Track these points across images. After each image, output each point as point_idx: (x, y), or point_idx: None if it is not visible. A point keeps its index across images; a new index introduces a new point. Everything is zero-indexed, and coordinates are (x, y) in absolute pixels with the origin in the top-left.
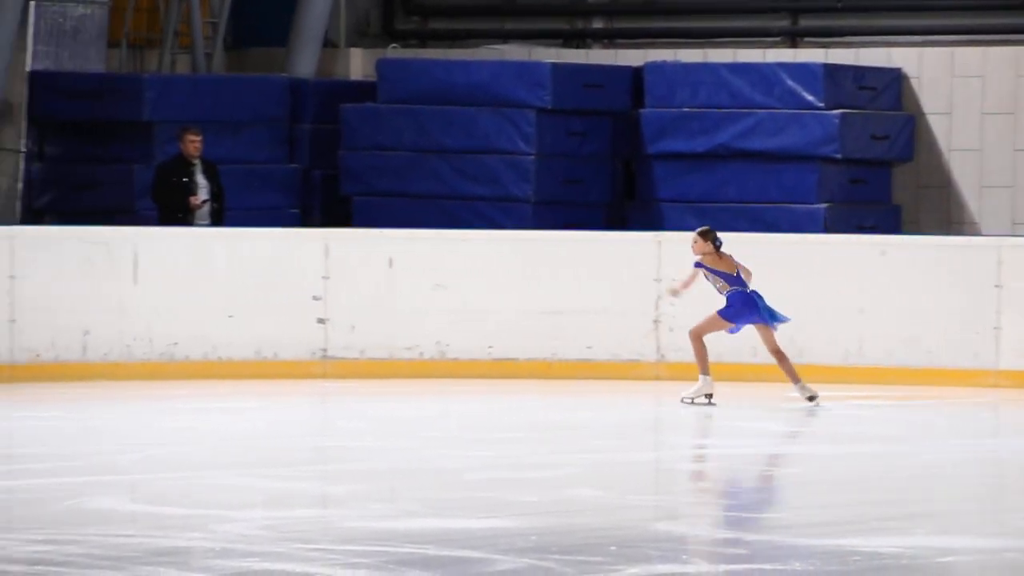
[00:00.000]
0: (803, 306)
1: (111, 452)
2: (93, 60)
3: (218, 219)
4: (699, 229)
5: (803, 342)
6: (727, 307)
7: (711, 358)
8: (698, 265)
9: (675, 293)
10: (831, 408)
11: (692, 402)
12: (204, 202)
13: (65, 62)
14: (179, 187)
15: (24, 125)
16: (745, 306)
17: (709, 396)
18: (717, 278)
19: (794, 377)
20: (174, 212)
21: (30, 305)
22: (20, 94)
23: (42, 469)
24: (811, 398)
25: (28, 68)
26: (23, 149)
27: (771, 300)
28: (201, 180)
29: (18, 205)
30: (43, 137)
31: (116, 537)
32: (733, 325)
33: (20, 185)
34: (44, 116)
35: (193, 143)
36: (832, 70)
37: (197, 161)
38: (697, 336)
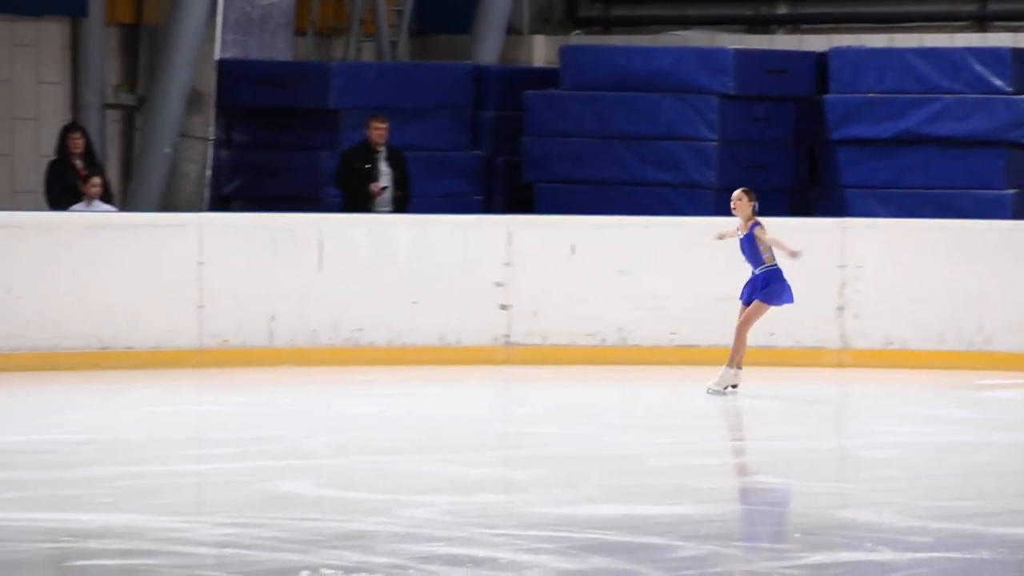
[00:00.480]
0: (990, 292)
1: (297, 437)
2: (280, 48)
3: (402, 207)
4: (745, 188)
5: (990, 329)
6: (767, 286)
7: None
8: (756, 225)
9: (722, 237)
10: (1018, 396)
11: (724, 391)
12: (383, 189)
13: (253, 51)
14: (362, 174)
15: (212, 113)
16: (782, 283)
17: (735, 386)
18: (766, 247)
19: (734, 361)
20: (356, 199)
21: (218, 291)
22: (209, 83)
23: (230, 454)
24: (732, 386)
25: (217, 57)
26: (211, 137)
27: (957, 287)
28: (384, 168)
29: (206, 192)
30: (231, 125)
31: (302, 521)
32: (772, 306)
33: (208, 172)
34: (232, 104)
35: (378, 130)
36: (1020, 54)
37: (382, 148)
38: (746, 328)
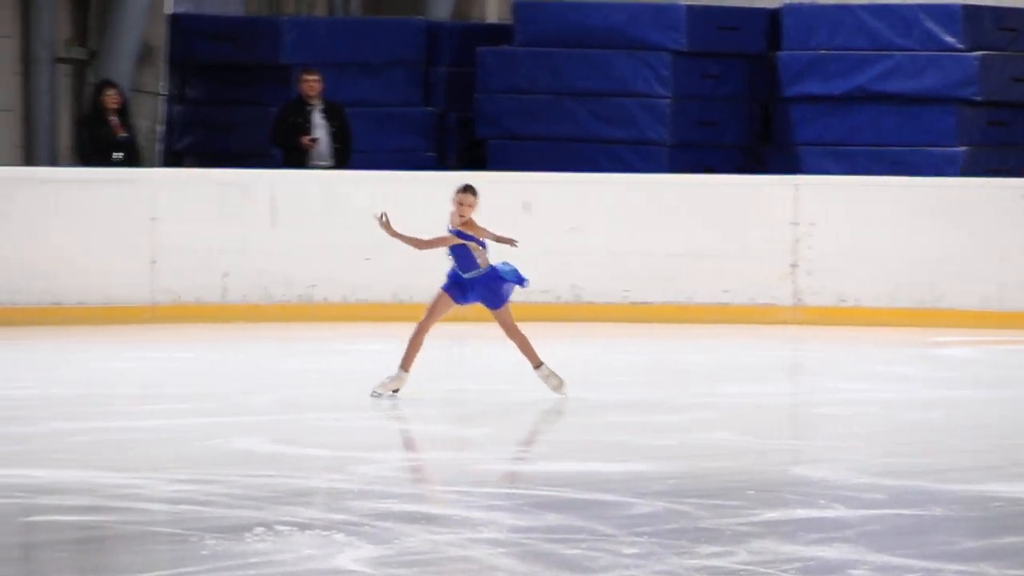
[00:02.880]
0: (942, 250)
1: (251, 393)
2: (232, 3)
3: (342, 161)
4: (466, 184)
5: (942, 287)
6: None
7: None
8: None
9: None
10: (971, 354)
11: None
12: (314, 140)
13: (205, 5)
14: (296, 128)
15: (164, 68)
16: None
17: (396, 390)
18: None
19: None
20: (292, 153)
21: (170, 247)
22: (160, 37)
23: (183, 409)
24: (394, 391)
25: (168, 11)
26: (163, 92)
27: (910, 244)
28: (319, 120)
29: (158, 147)
30: (183, 80)
31: (257, 477)
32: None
33: (160, 128)
34: (184, 59)
35: (308, 83)
36: (971, 11)
37: (316, 102)
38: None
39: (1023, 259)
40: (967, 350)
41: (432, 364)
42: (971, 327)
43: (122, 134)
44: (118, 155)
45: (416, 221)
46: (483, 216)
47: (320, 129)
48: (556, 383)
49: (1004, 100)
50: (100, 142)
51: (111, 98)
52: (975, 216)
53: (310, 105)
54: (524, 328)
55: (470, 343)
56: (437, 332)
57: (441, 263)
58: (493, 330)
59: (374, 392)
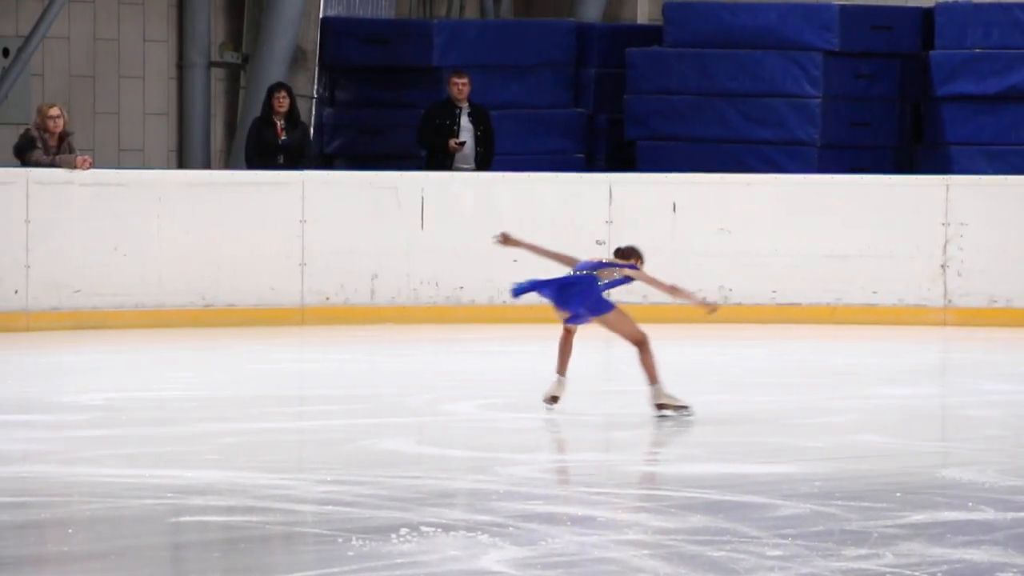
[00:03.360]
0: None
1: (398, 394)
2: (383, 6)
3: (485, 164)
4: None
5: None
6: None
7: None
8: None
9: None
10: None
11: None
12: (462, 143)
13: (356, 8)
14: (443, 130)
15: (316, 71)
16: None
17: (556, 397)
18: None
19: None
20: (437, 155)
21: (320, 249)
22: (313, 40)
23: (331, 411)
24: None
25: (320, 14)
26: (315, 95)
27: None
28: (466, 123)
29: (310, 150)
30: (334, 82)
31: (402, 479)
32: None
33: (311, 130)
34: (335, 62)
35: (457, 85)
36: None
37: (464, 104)
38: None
39: None
40: None
41: (581, 365)
42: None
43: (284, 138)
44: (279, 159)
45: (561, 221)
46: (632, 217)
47: (466, 132)
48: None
49: None
50: (265, 145)
51: (280, 101)
52: None
53: (458, 107)
54: (671, 329)
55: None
56: (581, 332)
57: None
58: (648, 332)
59: (546, 399)
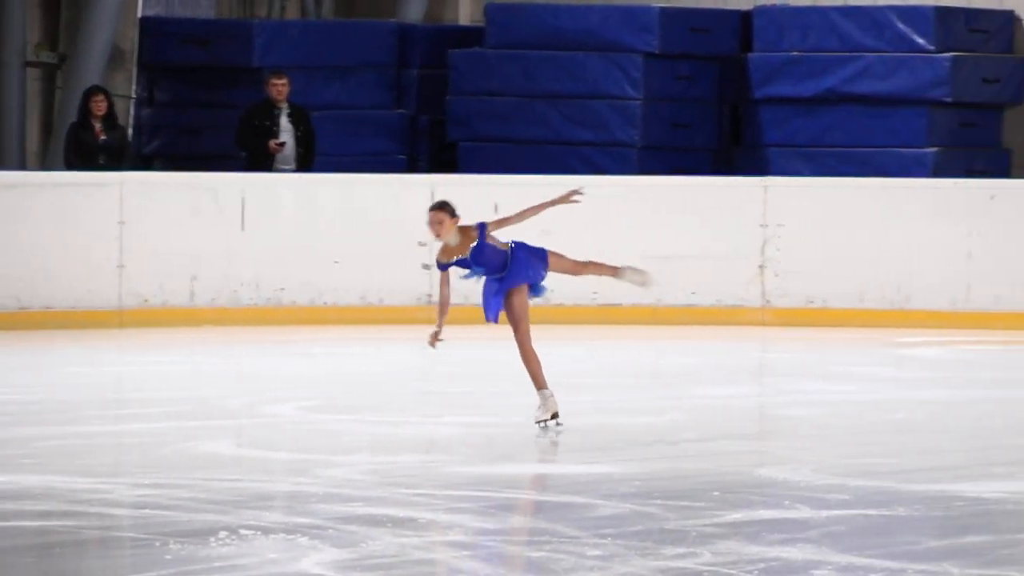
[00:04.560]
0: (910, 251)
1: (218, 397)
2: (203, 6)
3: (305, 164)
4: (438, 204)
5: (910, 287)
6: (521, 267)
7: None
8: (484, 227)
9: (427, 268)
10: (938, 354)
11: (545, 425)
12: (282, 144)
13: (175, 8)
14: (262, 131)
15: (134, 71)
16: (528, 253)
17: (555, 416)
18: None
19: (540, 379)
20: (257, 156)
21: (139, 251)
22: (131, 40)
23: (150, 414)
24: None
25: (139, 14)
26: (133, 95)
27: (878, 245)
28: (285, 124)
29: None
30: (153, 83)
31: (222, 481)
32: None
33: (130, 131)
34: (154, 62)
35: (275, 86)
36: (943, 13)
37: (283, 105)
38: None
39: (991, 260)
40: (934, 350)
41: (400, 366)
42: (939, 328)
43: (103, 138)
44: (100, 160)
45: (382, 223)
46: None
47: (286, 133)
48: (548, 412)
49: (974, 101)
50: (83, 147)
51: (97, 104)
52: (944, 217)
53: (277, 108)
54: (492, 329)
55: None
56: (405, 334)
57: (411, 267)
58: (461, 331)
59: (538, 422)
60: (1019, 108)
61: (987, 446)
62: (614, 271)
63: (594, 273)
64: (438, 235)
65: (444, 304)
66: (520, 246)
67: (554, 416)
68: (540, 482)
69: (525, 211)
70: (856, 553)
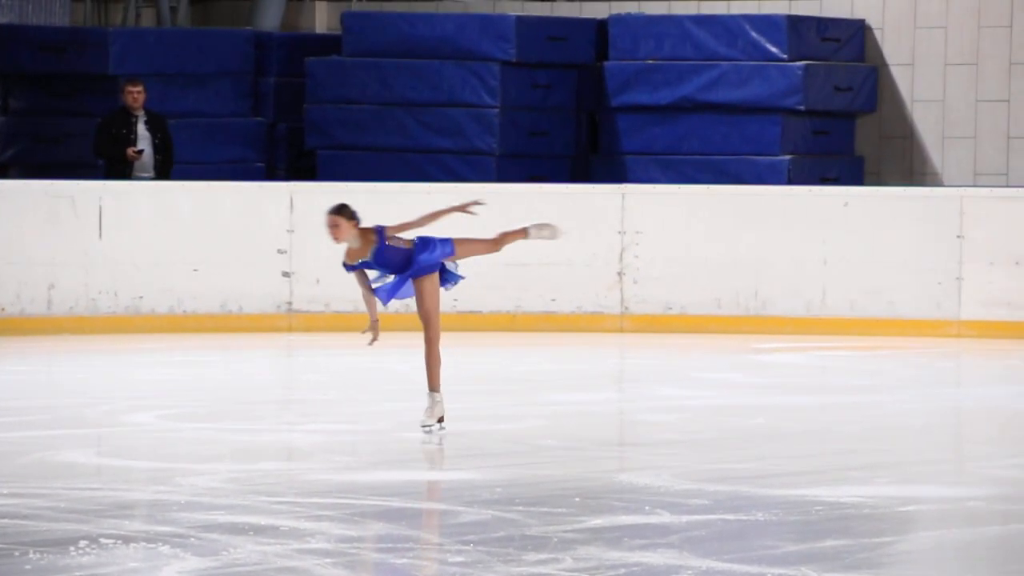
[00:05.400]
0: (766, 258)
1: (77, 406)
2: (57, 14)
3: (163, 172)
4: (335, 207)
5: (766, 294)
6: (423, 261)
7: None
8: (382, 231)
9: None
10: (794, 359)
11: (430, 429)
12: (140, 152)
13: (29, 15)
14: (120, 139)
15: None
16: (430, 246)
17: (440, 419)
18: (407, 234)
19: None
20: (115, 164)
21: None
22: None
23: (7, 423)
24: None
25: None
26: None
27: (735, 252)
28: (143, 132)
29: None
30: (7, 90)
31: (82, 490)
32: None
33: None
34: (8, 69)
35: (131, 94)
36: (795, 21)
37: (140, 112)
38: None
39: (846, 266)
40: (791, 356)
41: (261, 373)
42: (795, 333)
43: None
44: None
45: (241, 230)
46: (313, 226)
47: (144, 140)
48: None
49: (828, 109)
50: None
51: None
52: (799, 223)
53: (134, 116)
54: (353, 337)
55: (299, 352)
56: (266, 342)
57: (270, 274)
58: (322, 339)
59: (423, 426)
60: (871, 116)
61: (843, 451)
62: (523, 233)
63: (510, 242)
64: (336, 238)
65: (368, 299)
66: (423, 239)
67: (440, 420)
68: (402, 489)
69: (425, 216)
70: (716, 558)
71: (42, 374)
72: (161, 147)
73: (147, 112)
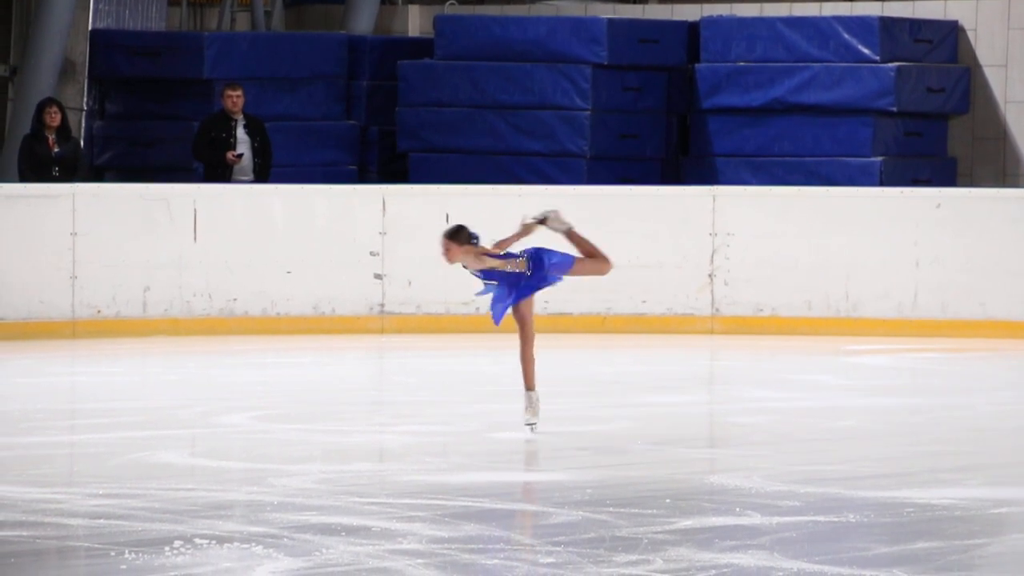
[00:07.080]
0: (857, 259)
1: (171, 407)
2: (154, 18)
3: (262, 175)
4: (448, 231)
5: (857, 296)
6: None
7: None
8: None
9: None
10: (885, 361)
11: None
12: (239, 156)
13: (126, 20)
14: (219, 143)
15: (86, 83)
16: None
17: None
18: (502, 253)
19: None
20: (215, 168)
21: (91, 262)
22: (82, 52)
23: (102, 424)
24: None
25: (90, 27)
26: (84, 107)
27: (826, 254)
28: (242, 135)
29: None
30: (104, 95)
31: (176, 491)
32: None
33: (81, 143)
34: (105, 74)
35: (231, 98)
36: (888, 23)
37: (239, 116)
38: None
39: (936, 268)
40: (881, 358)
41: (353, 375)
42: (885, 335)
43: (56, 150)
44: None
45: (334, 232)
46: (405, 228)
47: (243, 144)
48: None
49: (920, 111)
50: (37, 159)
51: (51, 116)
52: (890, 225)
53: (233, 120)
54: (445, 339)
55: (390, 354)
56: (358, 344)
57: (363, 276)
58: (414, 340)
59: (528, 424)
60: (963, 117)
61: (935, 453)
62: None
63: (589, 247)
64: (448, 261)
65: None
66: (537, 261)
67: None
68: (493, 490)
69: (519, 233)
70: (807, 559)
71: (136, 375)
72: (260, 150)
73: (246, 116)
